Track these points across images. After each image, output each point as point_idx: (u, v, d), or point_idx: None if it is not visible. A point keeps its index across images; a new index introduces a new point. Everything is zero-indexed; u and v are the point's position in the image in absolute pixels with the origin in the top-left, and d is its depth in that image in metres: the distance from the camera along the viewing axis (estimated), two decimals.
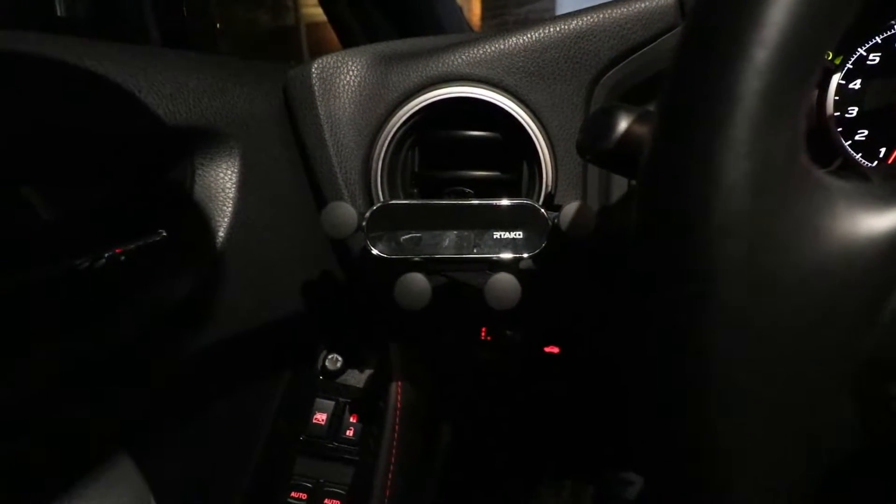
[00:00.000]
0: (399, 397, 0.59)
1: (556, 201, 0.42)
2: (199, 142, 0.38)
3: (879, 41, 0.39)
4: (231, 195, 0.39)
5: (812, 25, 0.15)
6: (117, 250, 0.35)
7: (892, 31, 0.39)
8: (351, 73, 0.43)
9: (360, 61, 0.43)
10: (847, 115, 0.41)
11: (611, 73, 0.41)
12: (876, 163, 0.41)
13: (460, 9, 0.90)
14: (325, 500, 0.57)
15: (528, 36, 0.40)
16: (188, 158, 0.38)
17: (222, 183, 0.39)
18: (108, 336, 0.35)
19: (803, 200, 0.16)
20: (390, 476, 0.57)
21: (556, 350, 0.59)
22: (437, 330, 0.59)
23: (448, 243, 0.35)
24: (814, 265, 0.16)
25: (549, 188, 0.42)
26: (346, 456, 0.58)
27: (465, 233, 0.35)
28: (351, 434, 0.59)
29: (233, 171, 0.39)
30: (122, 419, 0.42)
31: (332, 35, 0.76)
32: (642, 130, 0.27)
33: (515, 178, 0.44)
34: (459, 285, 0.44)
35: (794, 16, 0.15)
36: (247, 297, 0.42)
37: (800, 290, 0.16)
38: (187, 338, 0.40)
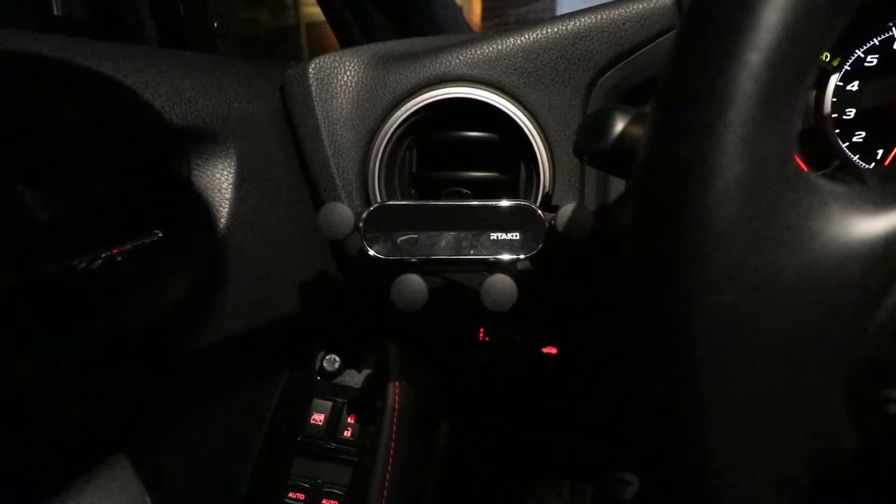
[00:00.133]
0: (397, 398, 0.59)
1: (554, 202, 0.42)
2: (195, 142, 0.38)
3: (877, 43, 0.39)
4: (228, 195, 0.39)
5: (805, 29, 0.15)
6: (114, 250, 0.34)
7: (890, 34, 0.39)
8: (348, 73, 0.43)
9: (357, 61, 0.43)
10: (845, 117, 0.41)
11: (609, 73, 0.41)
12: (873, 164, 0.41)
13: (459, 9, 0.90)
14: (323, 501, 0.57)
15: (526, 37, 0.40)
16: (185, 159, 0.38)
17: (219, 183, 0.39)
18: (104, 337, 0.35)
19: (796, 203, 0.16)
20: (388, 476, 0.57)
21: (554, 351, 0.59)
22: (434, 331, 0.59)
23: (445, 244, 0.35)
24: (807, 268, 0.16)
25: (547, 189, 0.42)
26: (344, 456, 0.58)
27: (462, 234, 0.35)
28: (349, 434, 0.59)
29: (230, 172, 0.39)
30: (118, 420, 0.41)
31: (332, 35, 0.76)
32: (639, 132, 0.27)
33: (513, 179, 0.44)
34: (456, 286, 0.44)
35: (787, 19, 0.15)
36: (244, 297, 0.42)
37: (793, 292, 0.16)
38: (184, 339, 0.40)
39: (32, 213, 0.33)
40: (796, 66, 0.15)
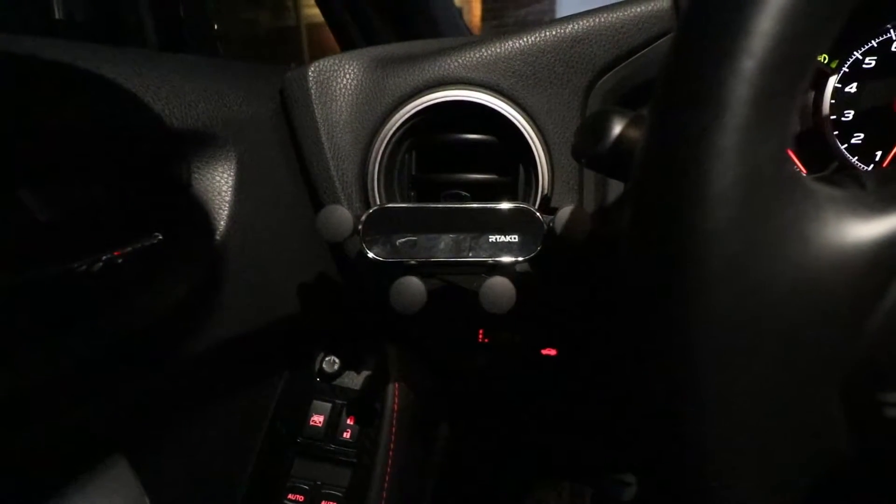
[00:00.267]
0: (396, 399, 0.59)
1: (553, 205, 0.42)
2: (195, 145, 0.38)
3: (875, 45, 0.39)
4: (227, 198, 0.39)
5: (800, 34, 0.15)
6: (115, 253, 0.35)
7: (888, 35, 0.39)
8: (348, 76, 0.43)
9: (356, 64, 0.43)
10: (843, 119, 0.41)
11: (607, 76, 0.42)
12: (872, 166, 0.41)
13: (459, 11, 0.90)
14: (322, 502, 0.57)
15: (525, 39, 0.41)
16: (185, 161, 0.38)
17: (218, 186, 0.39)
18: (104, 338, 0.35)
19: (791, 207, 0.16)
20: (387, 478, 0.57)
21: (553, 352, 0.59)
22: (434, 332, 0.59)
23: (444, 246, 0.35)
24: (802, 272, 0.16)
25: (545, 191, 0.42)
26: (344, 458, 0.58)
27: (461, 236, 0.35)
28: (348, 436, 0.59)
29: (229, 175, 0.39)
30: (117, 421, 0.42)
31: (332, 36, 0.77)
32: (636, 134, 0.27)
33: (512, 182, 0.44)
34: (455, 289, 0.44)
35: (781, 25, 0.15)
36: (244, 299, 0.43)
37: (789, 295, 0.16)
38: (184, 341, 0.40)
39: (34, 215, 0.33)
40: (791, 70, 0.15)
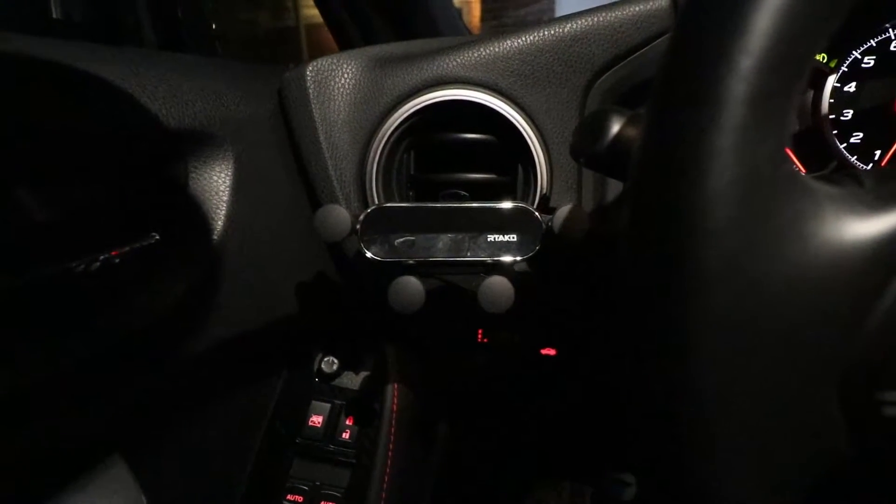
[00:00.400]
0: (395, 400, 0.59)
1: (552, 204, 0.42)
2: (192, 144, 0.38)
3: (874, 44, 0.39)
4: (225, 198, 0.39)
5: (797, 33, 0.15)
6: (112, 252, 0.35)
7: (887, 35, 0.39)
8: (346, 75, 0.43)
9: (355, 64, 0.43)
10: (842, 118, 0.41)
11: (606, 75, 0.41)
12: (871, 165, 0.41)
13: (458, 11, 0.90)
14: (322, 503, 0.57)
15: (523, 39, 0.40)
16: (182, 161, 0.38)
17: (216, 186, 0.39)
18: (102, 338, 0.35)
19: (789, 206, 0.16)
20: (386, 478, 0.57)
21: (552, 352, 0.59)
22: (433, 332, 0.59)
23: (442, 246, 0.35)
24: (800, 271, 0.16)
25: (544, 191, 0.42)
26: (343, 458, 0.58)
27: (460, 236, 0.35)
28: (347, 436, 0.59)
29: (227, 174, 0.39)
30: (115, 421, 0.41)
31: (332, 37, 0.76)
32: (635, 134, 0.27)
33: (510, 181, 0.44)
34: (454, 288, 0.44)
35: (778, 23, 0.15)
36: (242, 300, 0.42)
37: (786, 295, 0.16)
38: (182, 341, 0.40)
39: (31, 215, 0.33)
40: (788, 69, 0.15)
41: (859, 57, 0.40)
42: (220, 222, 0.39)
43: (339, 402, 0.59)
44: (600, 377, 0.62)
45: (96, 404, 0.37)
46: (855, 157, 0.41)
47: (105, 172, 0.36)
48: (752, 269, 0.16)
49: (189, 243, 0.38)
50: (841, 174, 0.19)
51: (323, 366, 0.60)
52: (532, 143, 0.41)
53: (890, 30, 0.39)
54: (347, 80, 0.43)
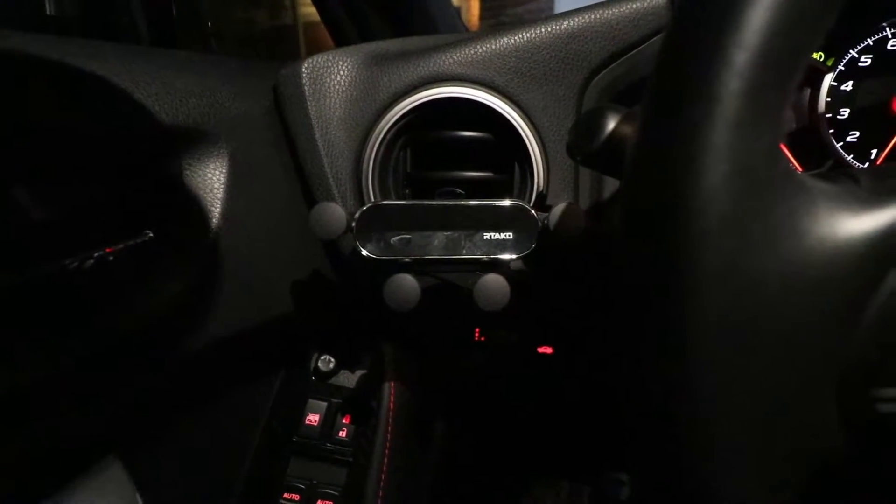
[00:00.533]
0: (392, 398, 0.59)
1: (548, 202, 0.42)
2: (186, 142, 0.38)
3: (871, 43, 0.39)
4: (220, 195, 0.39)
5: (792, 29, 0.15)
6: (107, 250, 0.34)
7: (884, 34, 0.39)
8: (342, 72, 0.43)
9: (351, 61, 0.43)
10: (839, 117, 0.41)
11: (603, 73, 0.41)
12: (867, 164, 0.41)
13: (456, 9, 0.90)
14: (318, 501, 0.57)
15: (520, 36, 0.40)
16: (176, 158, 0.38)
17: (210, 183, 0.39)
18: (97, 337, 0.35)
19: (784, 203, 0.16)
20: (383, 476, 0.57)
21: (549, 350, 0.59)
22: (429, 330, 0.59)
23: (438, 244, 0.35)
24: (795, 268, 0.16)
25: (541, 189, 0.42)
26: (340, 457, 0.58)
27: (456, 234, 0.35)
28: (344, 435, 0.58)
29: (221, 172, 0.39)
30: (111, 420, 0.41)
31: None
32: (630, 131, 0.27)
33: (507, 179, 0.44)
34: (450, 286, 0.44)
35: (773, 19, 0.15)
36: (237, 298, 0.42)
37: (783, 293, 0.16)
38: (177, 339, 0.40)
39: (24, 213, 0.33)
40: (783, 65, 0.15)
41: (856, 55, 0.40)
42: (214, 220, 0.39)
43: (335, 400, 0.59)
44: (597, 376, 0.62)
45: (92, 403, 0.37)
46: (851, 155, 0.41)
47: (99, 169, 0.36)
48: (749, 267, 0.16)
49: (184, 241, 0.38)
50: (837, 172, 0.19)
51: (320, 364, 0.60)
52: (528, 140, 0.41)
53: (887, 28, 0.39)
54: (343, 77, 0.42)
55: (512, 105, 0.41)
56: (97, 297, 0.35)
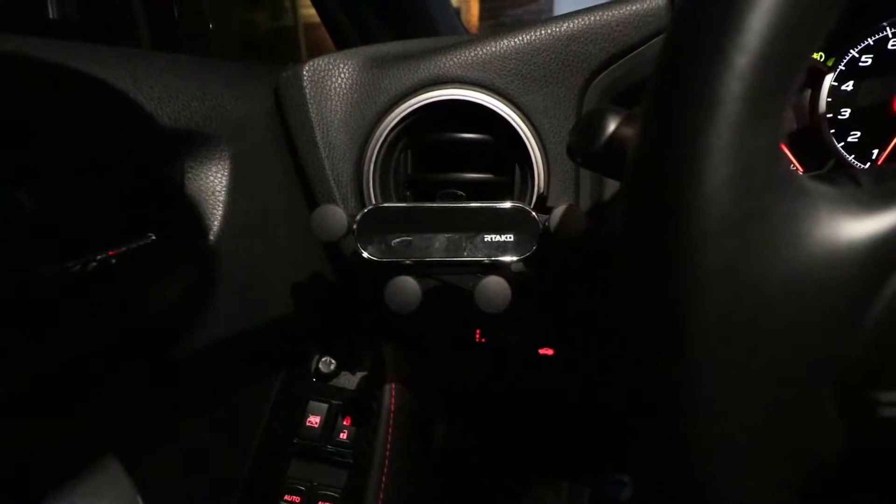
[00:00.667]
0: (393, 400, 0.59)
1: (549, 204, 0.42)
2: (188, 144, 0.38)
3: (871, 43, 0.39)
4: (221, 198, 0.39)
5: (792, 31, 0.15)
6: (109, 252, 0.34)
7: (884, 33, 0.39)
8: (343, 75, 0.43)
9: (351, 63, 0.43)
10: (840, 117, 0.41)
11: (603, 75, 0.41)
12: (868, 164, 0.41)
13: (456, 11, 0.90)
14: (319, 503, 0.57)
15: (520, 38, 0.40)
16: (178, 161, 0.38)
17: (212, 186, 0.39)
18: (99, 338, 0.35)
19: (784, 205, 0.16)
20: (384, 478, 0.57)
21: (550, 352, 0.59)
22: (430, 332, 0.59)
23: (439, 246, 0.35)
24: (796, 270, 0.16)
25: (541, 191, 0.42)
26: (340, 458, 0.58)
27: (457, 236, 0.35)
28: (344, 437, 0.58)
29: (223, 174, 0.39)
30: (111, 421, 0.41)
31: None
32: (631, 133, 0.27)
33: (507, 181, 0.44)
34: (450, 288, 0.44)
35: (773, 21, 0.15)
36: (239, 300, 0.42)
37: (783, 294, 0.16)
38: (179, 341, 0.40)
39: (28, 215, 0.33)
40: (783, 67, 0.15)
41: (857, 55, 0.40)
42: (216, 222, 0.39)
43: (336, 402, 0.59)
44: (598, 377, 0.62)
45: (92, 404, 0.37)
46: (852, 156, 0.41)
47: (101, 172, 0.36)
48: (749, 268, 0.16)
49: (185, 243, 0.38)
50: (838, 173, 0.19)
51: (320, 366, 0.60)
52: (529, 142, 0.41)
53: (887, 28, 0.39)
54: (344, 80, 0.43)
55: (512, 107, 0.41)
56: (99, 299, 0.35)
